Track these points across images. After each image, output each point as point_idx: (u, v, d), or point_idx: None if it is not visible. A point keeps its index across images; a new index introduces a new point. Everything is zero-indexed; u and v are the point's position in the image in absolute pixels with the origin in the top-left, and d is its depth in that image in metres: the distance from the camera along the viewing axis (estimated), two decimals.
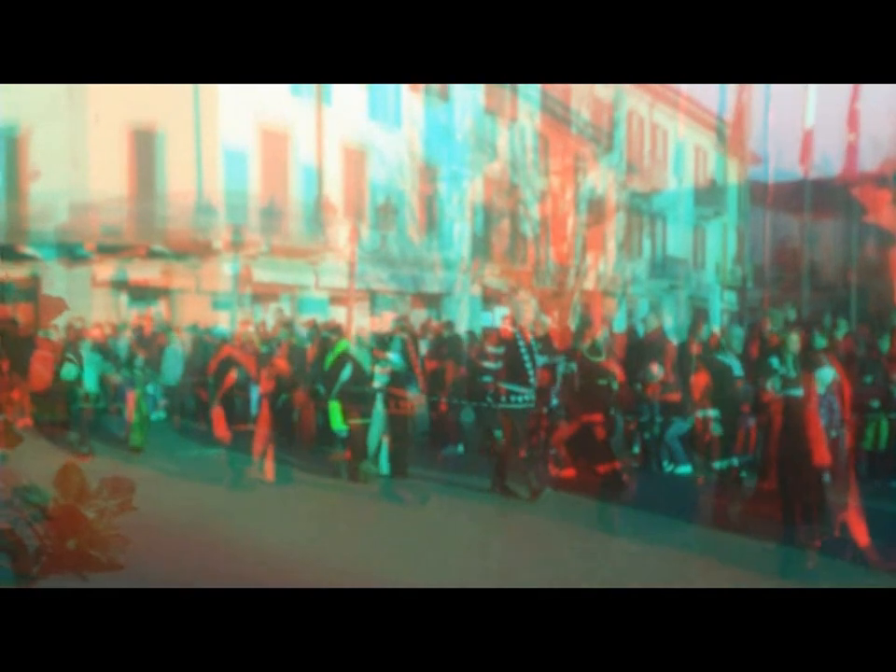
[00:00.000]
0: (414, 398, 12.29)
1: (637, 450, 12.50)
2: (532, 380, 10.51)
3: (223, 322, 21.42)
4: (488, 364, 10.72)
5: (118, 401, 15.17)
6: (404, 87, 28.39)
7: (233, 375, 13.19)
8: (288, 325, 17.66)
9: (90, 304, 23.74)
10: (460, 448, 14.09)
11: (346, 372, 11.66)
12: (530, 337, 10.86)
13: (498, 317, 23.78)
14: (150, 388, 14.32)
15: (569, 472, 11.14)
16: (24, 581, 1.56)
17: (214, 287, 23.38)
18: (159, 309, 24.05)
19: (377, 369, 11.94)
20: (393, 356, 12.06)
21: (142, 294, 24.48)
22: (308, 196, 25.55)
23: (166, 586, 2.41)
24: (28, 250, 24.52)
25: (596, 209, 28.62)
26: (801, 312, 21.73)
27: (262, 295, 24.54)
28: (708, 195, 43.97)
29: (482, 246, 30.42)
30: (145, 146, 24.11)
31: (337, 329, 15.50)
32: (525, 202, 28.83)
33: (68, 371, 13.25)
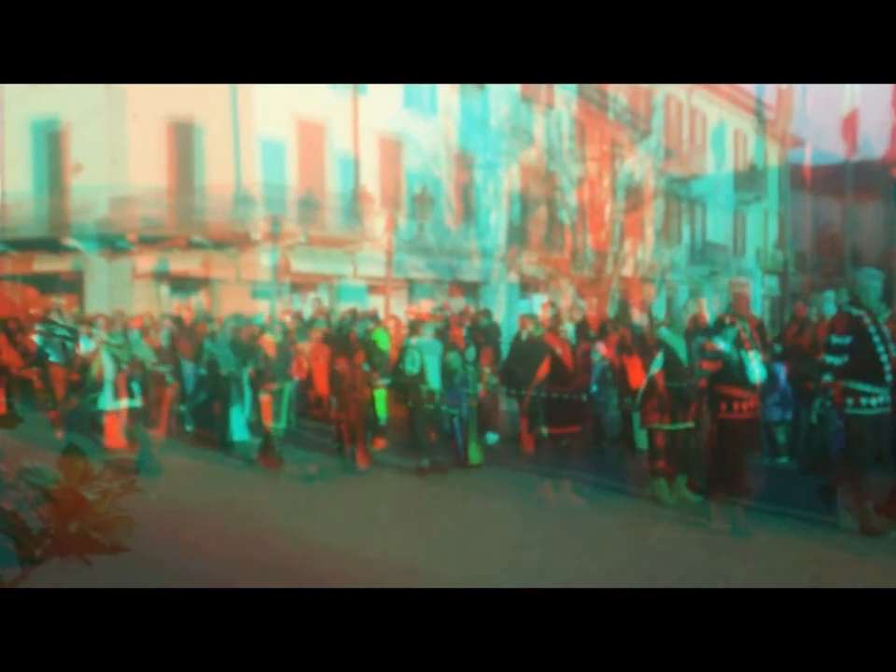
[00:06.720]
0: (750, 398, 9.15)
1: None
2: (889, 377, 8.33)
3: (263, 311, 21.61)
4: (831, 359, 8.47)
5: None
6: None
7: (547, 367, 12.07)
8: (327, 314, 17.75)
9: (131, 296, 24.13)
10: None
11: (658, 362, 9.48)
12: (881, 322, 8.52)
13: (537, 305, 23.76)
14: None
15: None
16: (28, 565, 1.61)
17: (253, 277, 23.60)
18: (199, 299, 24.32)
19: (703, 363, 9.37)
20: (724, 344, 9.13)
21: (182, 284, 24.76)
22: (345, 186, 25.66)
23: None
24: (71, 242, 24.92)
25: (634, 195, 28.44)
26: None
27: (301, 284, 24.72)
28: (748, 179, 43.36)
29: (518, 234, 30.35)
30: (183, 139, 24.36)
31: (375, 317, 15.48)
32: (562, 189, 28.72)
33: (412, 361, 11.24)
